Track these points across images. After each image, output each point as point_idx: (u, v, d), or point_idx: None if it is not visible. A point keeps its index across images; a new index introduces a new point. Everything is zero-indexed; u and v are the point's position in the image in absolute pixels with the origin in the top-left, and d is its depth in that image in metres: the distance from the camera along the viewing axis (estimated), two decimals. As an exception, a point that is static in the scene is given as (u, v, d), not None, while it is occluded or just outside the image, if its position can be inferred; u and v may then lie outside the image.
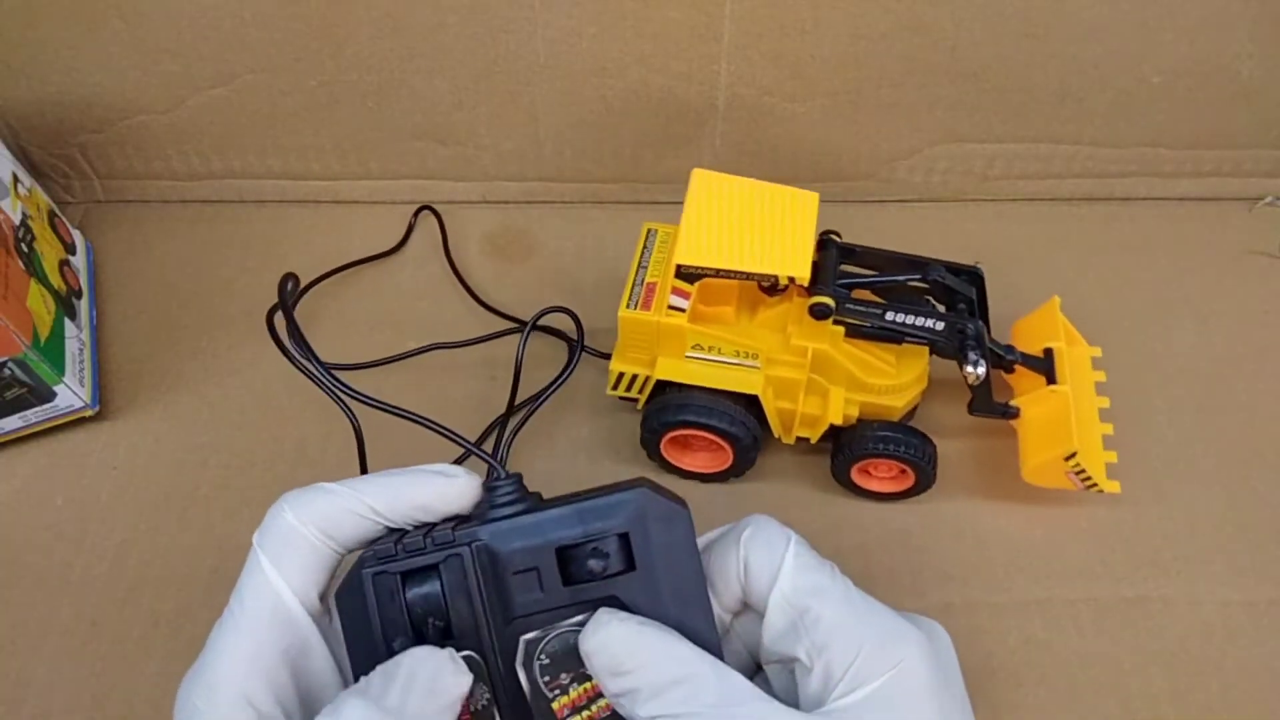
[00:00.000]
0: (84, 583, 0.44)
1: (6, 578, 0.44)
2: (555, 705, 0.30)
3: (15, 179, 0.49)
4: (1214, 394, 0.50)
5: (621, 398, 0.47)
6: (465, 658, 0.29)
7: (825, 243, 0.45)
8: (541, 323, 0.48)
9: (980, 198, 0.59)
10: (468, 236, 0.57)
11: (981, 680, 0.41)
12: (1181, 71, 0.53)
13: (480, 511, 0.31)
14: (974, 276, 0.47)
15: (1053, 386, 0.44)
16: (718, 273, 0.41)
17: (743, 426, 0.43)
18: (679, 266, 0.41)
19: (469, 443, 0.33)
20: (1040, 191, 0.59)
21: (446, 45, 0.51)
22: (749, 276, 0.41)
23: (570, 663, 0.30)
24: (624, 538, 0.30)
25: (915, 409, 0.47)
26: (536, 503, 0.31)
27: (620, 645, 0.28)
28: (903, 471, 0.45)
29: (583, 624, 0.30)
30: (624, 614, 0.29)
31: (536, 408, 0.46)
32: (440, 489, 0.31)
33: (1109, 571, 0.44)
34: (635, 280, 0.44)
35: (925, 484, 0.45)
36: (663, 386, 0.44)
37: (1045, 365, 0.45)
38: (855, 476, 0.45)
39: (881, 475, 0.46)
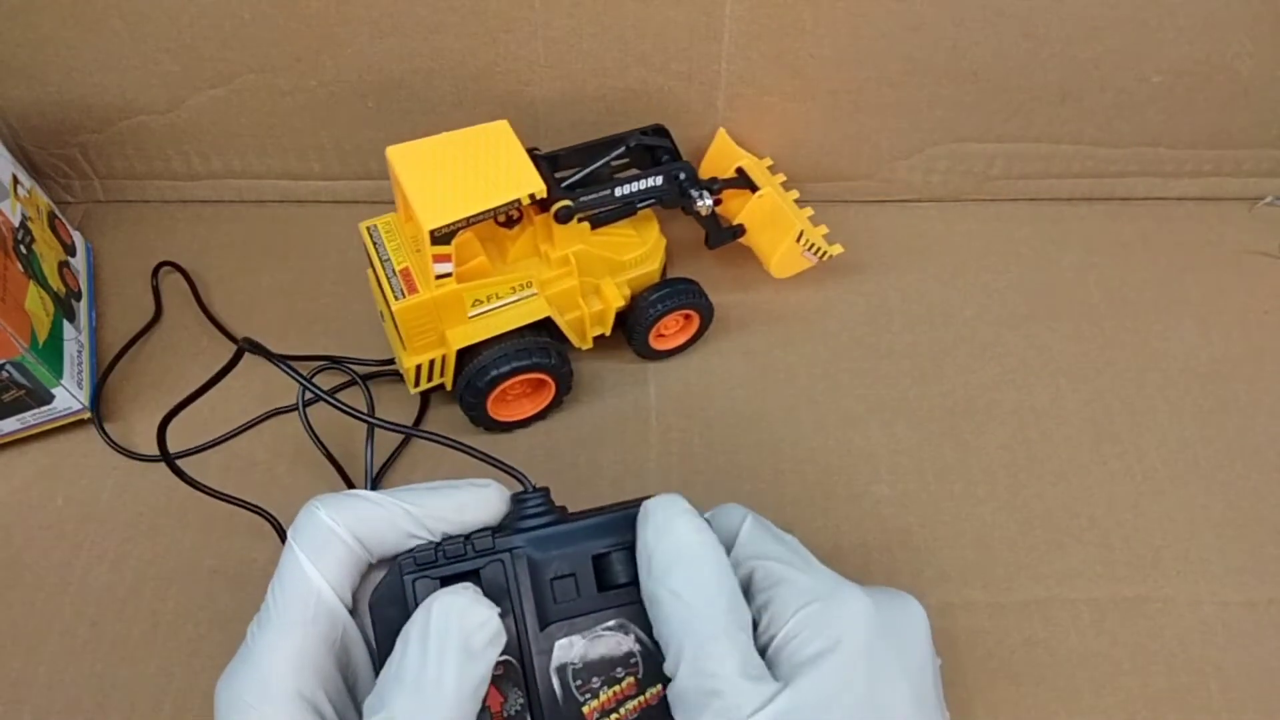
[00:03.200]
0: (84, 583, 0.44)
1: (6, 578, 0.44)
2: (586, 709, 0.30)
3: (15, 181, 0.49)
4: (1214, 394, 0.50)
5: (425, 392, 0.48)
6: (501, 661, 0.30)
7: (533, 158, 0.46)
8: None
9: (980, 198, 0.59)
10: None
11: (981, 680, 0.41)
12: (1181, 71, 0.53)
13: (510, 523, 0.32)
14: (660, 130, 0.51)
15: (758, 193, 0.50)
16: (469, 221, 0.41)
17: (550, 352, 0.46)
18: (432, 233, 0.41)
19: (496, 460, 0.33)
20: (1040, 191, 0.59)
21: (446, 45, 0.51)
22: (495, 212, 0.42)
23: (601, 666, 0.30)
24: None
25: (666, 267, 0.51)
26: (562, 516, 0.32)
27: (689, 543, 0.29)
28: (686, 318, 0.50)
29: (613, 628, 0.30)
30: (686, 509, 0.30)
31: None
32: (472, 499, 0.31)
33: (1109, 571, 0.44)
34: (386, 274, 0.44)
35: (708, 317, 0.51)
36: (461, 359, 0.45)
37: (744, 181, 0.52)
38: (654, 343, 0.50)
39: (672, 331, 0.51)
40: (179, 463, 0.38)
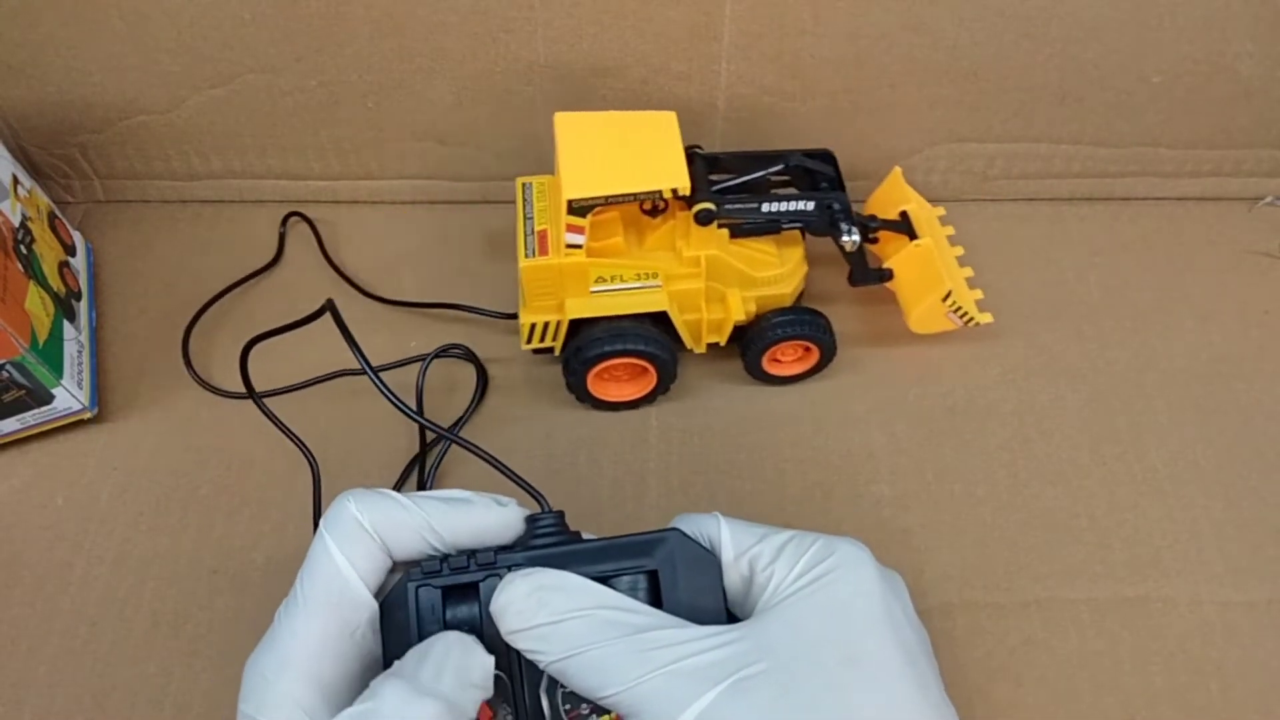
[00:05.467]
0: (84, 583, 0.44)
1: (6, 578, 0.44)
2: None
3: (15, 181, 0.49)
4: (1214, 394, 0.50)
5: (536, 350, 0.48)
6: (494, 676, 0.30)
7: (691, 156, 0.46)
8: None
9: (980, 198, 0.59)
10: (468, 236, 0.57)
11: (981, 680, 0.41)
12: (1181, 71, 0.53)
13: (522, 542, 0.32)
14: (828, 156, 0.50)
15: (916, 241, 0.48)
16: (607, 200, 0.42)
17: (660, 344, 0.46)
18: (570, 202, 0.42)
19: (521, 479, 0.34)
20: (1040, 191, 0.59)
21: (446, 45, 0.51)
22: (636, 198, 0.43)
23: None
24: (653, 576, 0.31)
25: (803, 293, 0.50)
26: (575, 539, 0.32)
27: (524, 599, 0.29)
28: (807, 349, 0.49)
29: None
30: (529, 569, 0.30)
31: (457, 430, 0.48)
32: (493, 519, 0.32)
33: (1109, 571, 0.44)
34: (526, 231, 0.45)
35: (829, 354, 0.49)
36: (574, 329, 0.46)
37: (904, 226, 0.50)
38: (767, 366, 0.49)
39: (789, 358, 0.50)
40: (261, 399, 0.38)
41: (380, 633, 0.31)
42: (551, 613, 0.28)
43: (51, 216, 0.52)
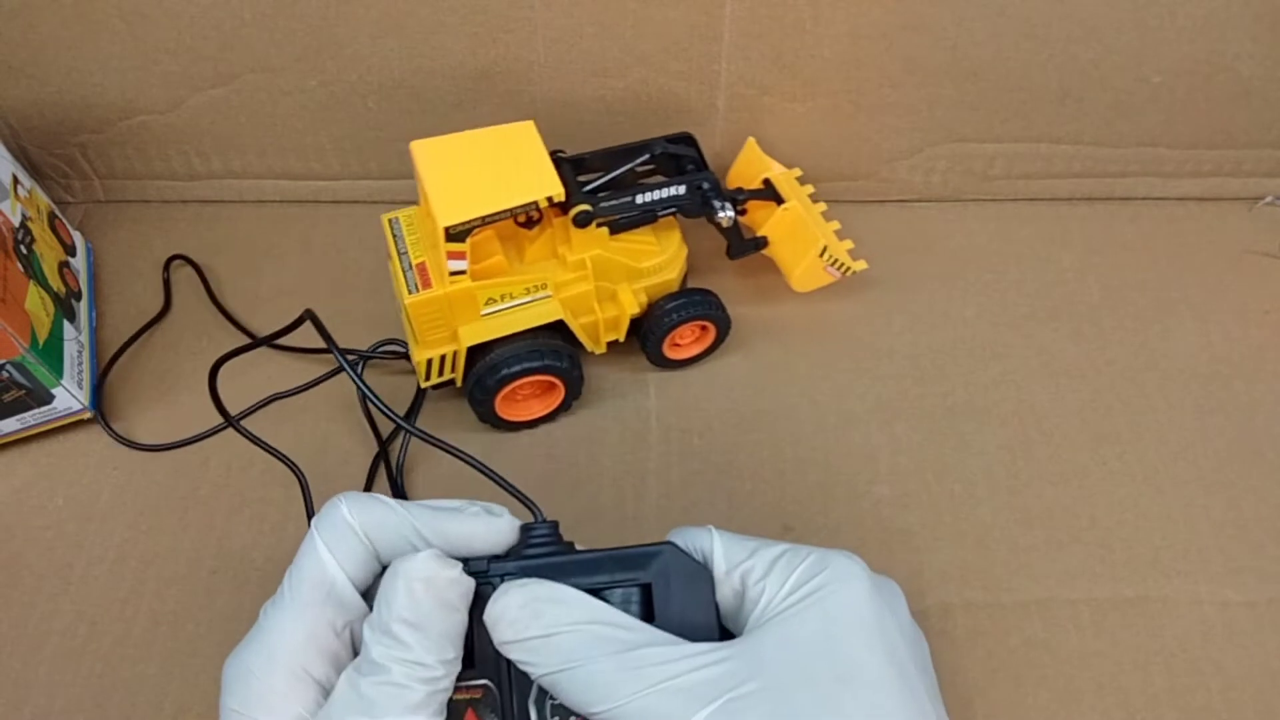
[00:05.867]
0: (84, 583, 0.44)
1: (6, 578, 0.44)
2: None
3: (15, 181, 0.49)
4: (1214, 394, 0.50)
5: (436, 386, 0.48)
6: (481, 685, 0.30)
7: (557, 161, 0.46)
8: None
9: (980, 198, 0.59)
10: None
11: (981, 680, 0.41)
12: (1181, 71, 0.53)
13: (515, 551, 0.32)
14: (688, 139, 0.50)
15: (783, 205, 0.50)
16: (484, 220, 0.42)
17: (561, 355, 0.46)
18: (448, 229, 0.41)
19: (514, 488, 0.33)
20: (1040, 191, 0.59)
21: (446, 45, 0.51)
22: (512, 213, 0.42)
23: None
24: (646, 589, 0.31)
25: (686, 276, 0.51)
26: (568, 550, 0.32)
27: (518, 610, 0.29)
28: (703, 329, 0.50)
29: None
30: (524, 579, 0.30)
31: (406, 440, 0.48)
32: (484, 528, 0.31)
33: (1109, 571, 0.44)
34: (403, 267, 0.44)
35: (724, 329, 0.50)
36: (472, 356, 0.45)
37: (770, 193, 0.52)
38: (668, 352, 0.50)
39: (687, 340, 0.50)
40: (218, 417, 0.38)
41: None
42: (545, 625, 0.28)
43: (51, 216, 0.52)
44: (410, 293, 0.43)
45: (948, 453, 0.48)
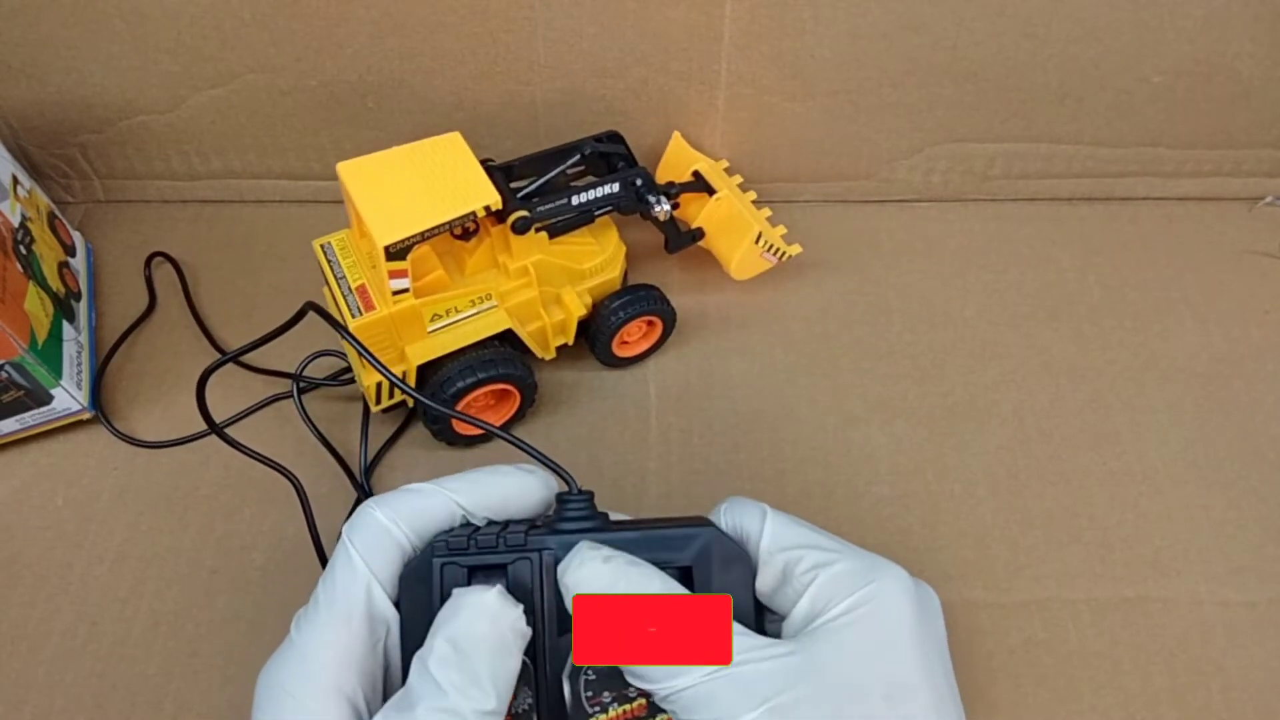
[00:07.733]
0: (84, 583, 0.44)
1: (6, 578, 0.44)
2: None
3: (15, 181, 0.49)
4: (1214, 394, 0.50)
5: (387, 410, 0.47)
6: None
7: (487, 169, 0.45)
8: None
9: (980, 198, 0.59)
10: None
11: (981, 680, 0.41)
12: (1181, 71, 0.53)
13: (550, 522, 0.32)
14: (616, 137, 0.51)
15: (715, 196, 0.51)
16: (424, 236, 0.41)
17: (514, 364, 0.46)
18: (387, 248, 0.40)
19: (547, 458, 0.33)
20: (1040, 191, 0.59)
21: (446, 45, 0.51)
22: (449, 225, 0.41)
23: (614, 682, 0.30)
24: (686, 571, 0.31)
25: (627, 273, 0.51)
26: (604, 523, 0.32)
27: (600, 581, 0.29)
28: (649, 324, 0.50)
29: None
30: (608, 550, 0.29)
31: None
32: (520, 485, 0.32)
33: (1109, 571, 0.44)
34: (342, 291, 0.43)
35: (670, 323, 0.51)
36: (422, 374, 0.45)
37: (701, 184, 0.52)
38: (618, 350, 0.50)
39: (635, 337, 0.51)
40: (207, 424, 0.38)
41: (400, 602, 0.30)
42: (629, 587, 0.28)
43: (51, 216, 0.52)
44: (353, 316, 0.42)
45: (948, 453, 0.48)
